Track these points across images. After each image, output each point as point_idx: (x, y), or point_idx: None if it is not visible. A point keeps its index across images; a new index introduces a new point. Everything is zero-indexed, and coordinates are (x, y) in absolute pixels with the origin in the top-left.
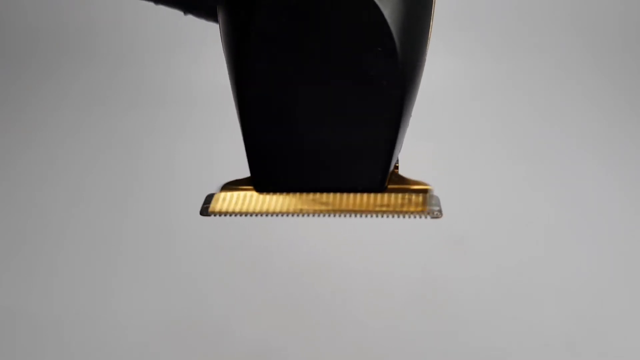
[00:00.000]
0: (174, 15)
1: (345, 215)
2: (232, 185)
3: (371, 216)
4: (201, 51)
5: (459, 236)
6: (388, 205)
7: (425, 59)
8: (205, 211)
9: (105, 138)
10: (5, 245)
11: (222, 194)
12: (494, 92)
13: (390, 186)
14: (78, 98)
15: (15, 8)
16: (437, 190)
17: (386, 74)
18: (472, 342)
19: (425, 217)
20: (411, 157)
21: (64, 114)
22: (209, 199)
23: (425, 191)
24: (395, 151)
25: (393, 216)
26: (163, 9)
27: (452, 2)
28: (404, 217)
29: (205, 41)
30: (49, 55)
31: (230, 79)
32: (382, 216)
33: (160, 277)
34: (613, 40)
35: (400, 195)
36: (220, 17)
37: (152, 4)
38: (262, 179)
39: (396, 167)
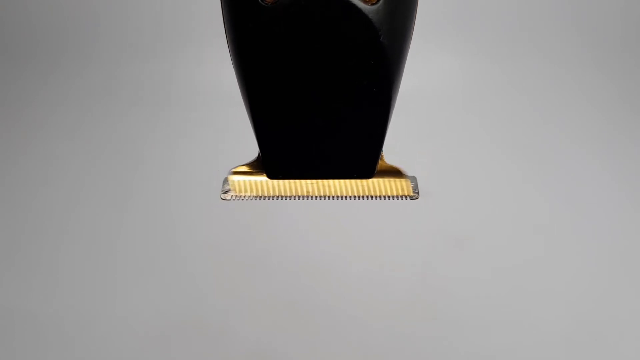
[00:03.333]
0: (176, 14)
1: (344, 198)
2: (241, 171)
3: (365, 199)
4: (203, 50)
5: (459, 236)
6: (377, 190)
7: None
8: (227, 195)
9: (106, 137)
10: (5, 245)
11: (237, 181)
12: (493, 92)
13: (378, 170)
14: (78, 98)
15: (15, 8)
16: (436, 190)
17: (376, 81)
18: (471, 342)
19: (407, 199)
20: (411, 157)
21: (64, 114)
22: (226, 184)
23: (406, 176)
24: (382, 143)
25: (382, 198)
26: (163, 8)
27: (452, 2)
28: (392, 199)
29: (207, 40)
30: (49, 55)
31: (238, 82)
32: (374, 199)
33: (160, 276)
34: (613, 40)
35: (387, 180)
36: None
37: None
38: (273, 167)
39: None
